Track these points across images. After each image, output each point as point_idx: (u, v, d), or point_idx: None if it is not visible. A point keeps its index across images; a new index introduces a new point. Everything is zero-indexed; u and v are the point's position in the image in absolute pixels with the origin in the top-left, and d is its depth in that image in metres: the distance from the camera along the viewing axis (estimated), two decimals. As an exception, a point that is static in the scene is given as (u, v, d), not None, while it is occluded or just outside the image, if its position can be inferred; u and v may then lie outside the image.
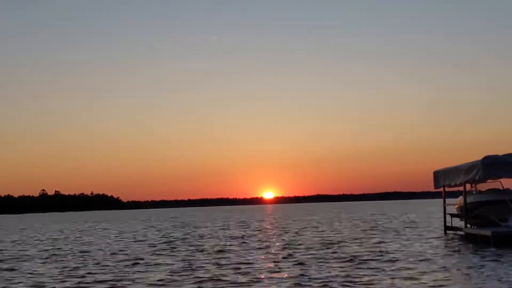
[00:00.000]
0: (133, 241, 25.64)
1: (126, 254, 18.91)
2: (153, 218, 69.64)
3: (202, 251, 19.26)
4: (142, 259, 17.15)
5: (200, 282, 12.08)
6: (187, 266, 14.96)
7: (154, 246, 22.03)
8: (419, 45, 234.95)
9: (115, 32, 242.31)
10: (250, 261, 15.61)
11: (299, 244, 20.73)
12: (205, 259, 16.46)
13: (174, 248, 20.92)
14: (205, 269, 14.10)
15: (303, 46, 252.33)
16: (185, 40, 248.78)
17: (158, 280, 12.49)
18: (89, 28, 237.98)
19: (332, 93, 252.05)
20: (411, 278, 11.72)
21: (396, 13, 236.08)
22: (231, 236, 26.88)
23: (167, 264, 15.51)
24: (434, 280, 11.38)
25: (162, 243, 23.81)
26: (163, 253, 19.07)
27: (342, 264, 14.31)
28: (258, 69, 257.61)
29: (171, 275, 13.22)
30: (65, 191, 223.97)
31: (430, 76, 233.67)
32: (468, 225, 21.87)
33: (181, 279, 12.56)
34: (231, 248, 20.10)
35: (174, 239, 25.95)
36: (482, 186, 22.49)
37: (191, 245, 21.89)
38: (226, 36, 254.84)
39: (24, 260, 18.21)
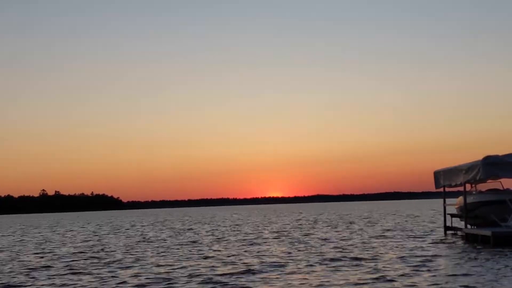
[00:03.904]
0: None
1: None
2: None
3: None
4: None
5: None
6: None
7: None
8: (418, 46, 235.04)
9: (113, 31, 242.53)
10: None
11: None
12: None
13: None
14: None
15: (303, 46, 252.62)
16: (184, 39, 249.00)
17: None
18: (88, 25, 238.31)
19: (332, 93, 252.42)
20: (410, 279, 11.72)
21: (396, 13, 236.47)
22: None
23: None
24: (433, 281, 11.38)
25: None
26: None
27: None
28: (259, 69, 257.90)
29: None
30: (65, 191, 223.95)
31: (430, 76, 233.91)
32: (468, 225, 21.85)
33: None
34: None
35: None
36: (482, 186, 22.48)
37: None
38: (227, 37, 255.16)
39: None
